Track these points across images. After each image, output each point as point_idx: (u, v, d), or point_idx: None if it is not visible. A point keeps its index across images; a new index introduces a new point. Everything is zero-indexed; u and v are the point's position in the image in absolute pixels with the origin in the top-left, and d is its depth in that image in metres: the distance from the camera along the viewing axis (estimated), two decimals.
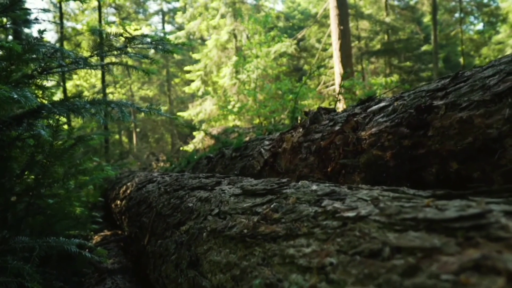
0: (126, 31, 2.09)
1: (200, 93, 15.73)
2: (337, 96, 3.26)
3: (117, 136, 20.86)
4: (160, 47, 2.02)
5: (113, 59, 2.16)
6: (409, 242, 0.53)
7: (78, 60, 1.89)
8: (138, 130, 24.08)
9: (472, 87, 0.94)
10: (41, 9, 2.01)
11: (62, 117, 1.97)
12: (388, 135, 1.12)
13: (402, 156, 1.06)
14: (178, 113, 18.75)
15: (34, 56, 1.74)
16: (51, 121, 2.01)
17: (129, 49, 2.08)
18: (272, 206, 0.92)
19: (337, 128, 1.39)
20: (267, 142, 2.06)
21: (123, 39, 2.05)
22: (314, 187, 0.95)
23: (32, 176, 2.14)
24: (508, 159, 0.79)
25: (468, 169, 0.88)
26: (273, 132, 3.59)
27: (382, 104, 1.27)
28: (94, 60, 2.09)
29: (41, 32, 1.67)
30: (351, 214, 0.69)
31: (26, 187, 2.14)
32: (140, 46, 2.07)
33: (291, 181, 1.16)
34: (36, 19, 1.94)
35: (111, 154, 12.49)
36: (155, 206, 1.79)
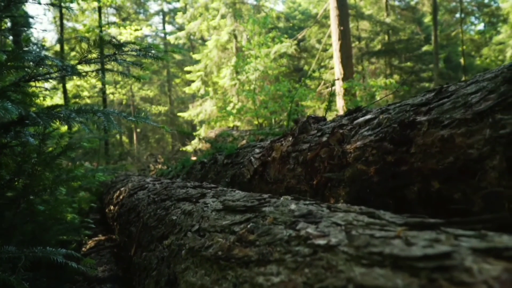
0: (114, 38, 2.07)
1: (200, 94, 15.72)
2: (327, 104, 3.24)
3: (117, 137, 20.87)
4: (149, 54, 1.99)
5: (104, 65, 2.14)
6: (373, 280, 0.50)
7: (65, 67, 1.87)
8: (138, 130, 24.09)
9: (454, 103, 0.91)
10: (30, 16, 1.99)
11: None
12: (372, 149, 1.09)
13: (386, 172, 1.03)
14: (179, 114, 18.75)
15: (20, 64, 1.72)
16: (40, 128, 2.00)
17: (122, 54, 2.06)
18: (248, 226, 0.90)
19: (324, 139, 1.36)
20: (257, 150, 2.04)
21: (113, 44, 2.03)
22: (293, 206, 0.92)
23: (22, 183, 2.12)
24: (489, 182, 0.76)
25: (450, 189, 0.85)
26: (268, 137, 3.57)
27: (368, 116, 1.24)
28: (82, 66, 2.07)
29: (25, 40, 1.65)
30: (322, 242, 0.66)
31: (16, 194, 2.12)
32: (129, 53, 2.05)
33: (273, 196, 1.14)
34: (23, 25, 1.92)
35: (111, 155, 12.51)
36: (143, 216, 1.77)
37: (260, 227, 0.86)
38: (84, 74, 2.13)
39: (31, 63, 1.71)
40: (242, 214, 1.00)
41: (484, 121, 0.79)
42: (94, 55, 1.96)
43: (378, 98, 8.07)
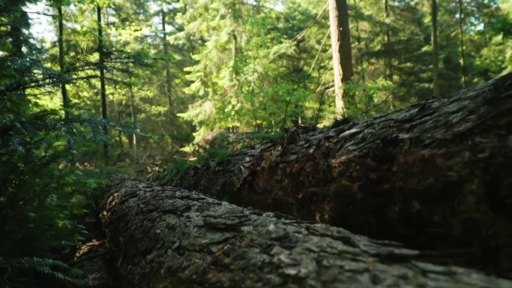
0: (102, 46, 2.06)
1: (200, 94, 15.68)
2: (318, 112, 3.21)
3: (117, 138, 20.86)
4: (138, 61, 1.98)
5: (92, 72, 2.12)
6: None
7: (52, 75, 1.85)
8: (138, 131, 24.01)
9: (436, 122, 0.89)
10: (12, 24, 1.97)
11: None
12: (356, 165, 1.07)
13: (368, 189, 1.01)
14: (178, 114, 18.72)
15: (6, 73, 1.70)
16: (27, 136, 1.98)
17: (110, 61, 2.05)
18: (225, 248, 0.88)
19: (310, 151, 1.34)
20: (247, 159, 2.01)
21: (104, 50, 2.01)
22: (271, 226, 0.91)
23: (10, 192, 2.11)
24: (467, 206, 0.74)
25: (429, 211, 0.83)
26: (264, 141, 3.55)
27: (353, 130, 1.22)
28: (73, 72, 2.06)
29: (11, 50, 1.63)
30: (292, 271, 0.65)
31: (4, 202, 2.11)
32: (119, 60, 2.03)
33: (255, 212, 1.12)
34: (10, 30, 1.90)
35: (110, 156, 12.51)
36: (130, 227, 1.75)
37: (236, 250, 0.84)
38: (74, 82, 2.11)
39: (16, 72, 1.69)
40: (222, 233, 0.99)
41: (464, 143, 0.77)
42: (82, 63, 1.94)
43: (376, 99, 8.04)
